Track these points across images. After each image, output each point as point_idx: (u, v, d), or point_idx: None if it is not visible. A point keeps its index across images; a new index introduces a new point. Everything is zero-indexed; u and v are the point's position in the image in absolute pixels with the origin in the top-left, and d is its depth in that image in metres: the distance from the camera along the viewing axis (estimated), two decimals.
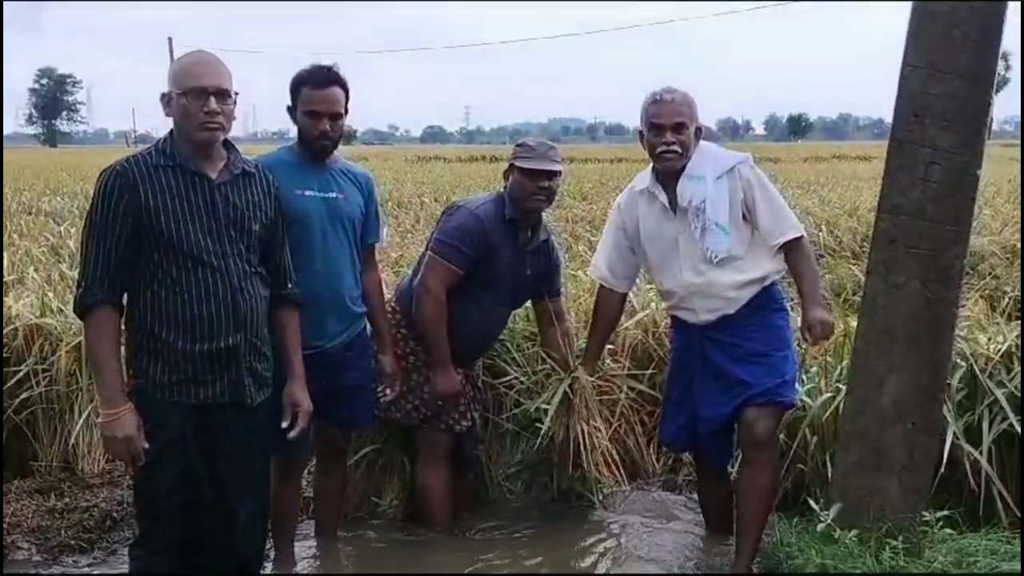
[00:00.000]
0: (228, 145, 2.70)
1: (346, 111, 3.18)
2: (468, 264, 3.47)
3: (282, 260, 2.87)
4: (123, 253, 2.54)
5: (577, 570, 3.53)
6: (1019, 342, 3.71)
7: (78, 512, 3.80)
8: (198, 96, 2.55)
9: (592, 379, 3.80)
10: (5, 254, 6.55)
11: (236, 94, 2.64)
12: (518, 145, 3.59)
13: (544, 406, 3.69)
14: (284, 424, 2.87)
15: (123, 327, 2.64)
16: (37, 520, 3.73)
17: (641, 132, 3.37)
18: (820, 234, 9.60)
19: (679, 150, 3.27)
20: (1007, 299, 5.52)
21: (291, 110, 3.18)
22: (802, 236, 3.35)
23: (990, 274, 6.73)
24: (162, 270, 2.57)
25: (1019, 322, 4.12)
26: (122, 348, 2.63)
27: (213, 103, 2.55)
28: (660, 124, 3.27)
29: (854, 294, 6.10)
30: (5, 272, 5.82)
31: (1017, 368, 3.61)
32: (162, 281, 2.57)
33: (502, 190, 3.62)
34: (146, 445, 2.56)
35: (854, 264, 7.55)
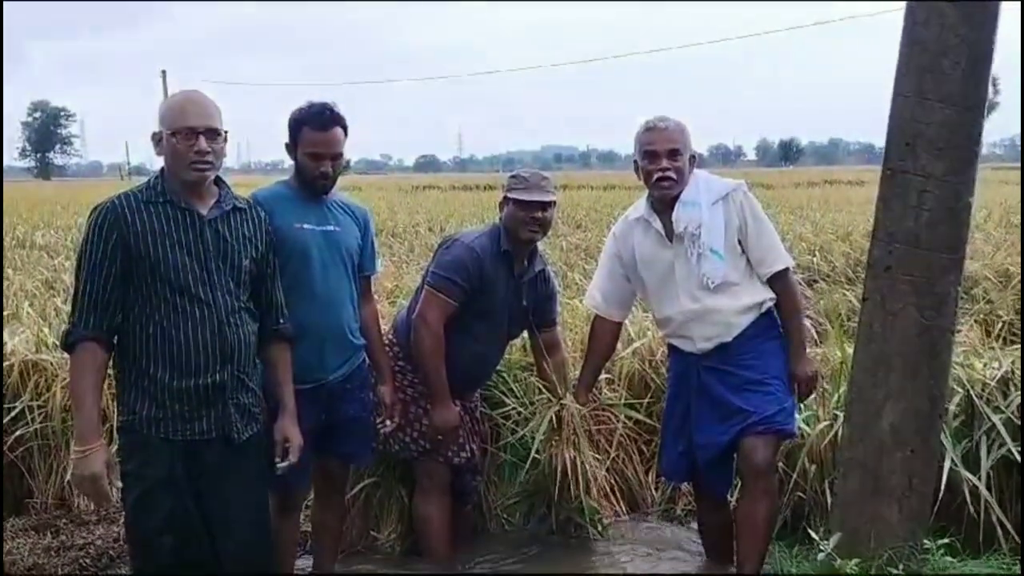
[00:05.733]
0: (219, 181, 2.71)
1: None
2: (464, 296, 3.48)
3: (273, 295, 2.86)
4: (112, 289, 2.53)
5: None
6: (1014, 368, 3.71)
7: (74, 550, 3.77)
8: (187, 136, 2.56)
9: (583, 408, 3.79)
10: None
11: (226, 132, 2.65)
12: (512, 176, 3.61)
13: (533, 434, 3.68)
14: (277, 460, 2.85)
15: (114, 363, 2.63)
16: (33, 558, 3.70)
17: (636, 161, 3.40)
18: (814, 260, 9.61)
19: (674, 176, 3.29)
20: (1001, 324, 5.53)
21: (290, 148, 3.19)
22: (788, 268, 3.37)
23: (984, 299, 6.71)
24: (151, 305, 2.56)
25: (1014, 347, 4.13)
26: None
27: (203, 143, 2.56)
28: (654, 151, 3.29)
29: (849, 319, 6.10)
30: None
31: (1014, 394, 3.61)
32: (150, 316, 2.56)
33: (497, 221, 3.64)
34: (119, 484, 2.54)
35: (848, 289, 7.54)
